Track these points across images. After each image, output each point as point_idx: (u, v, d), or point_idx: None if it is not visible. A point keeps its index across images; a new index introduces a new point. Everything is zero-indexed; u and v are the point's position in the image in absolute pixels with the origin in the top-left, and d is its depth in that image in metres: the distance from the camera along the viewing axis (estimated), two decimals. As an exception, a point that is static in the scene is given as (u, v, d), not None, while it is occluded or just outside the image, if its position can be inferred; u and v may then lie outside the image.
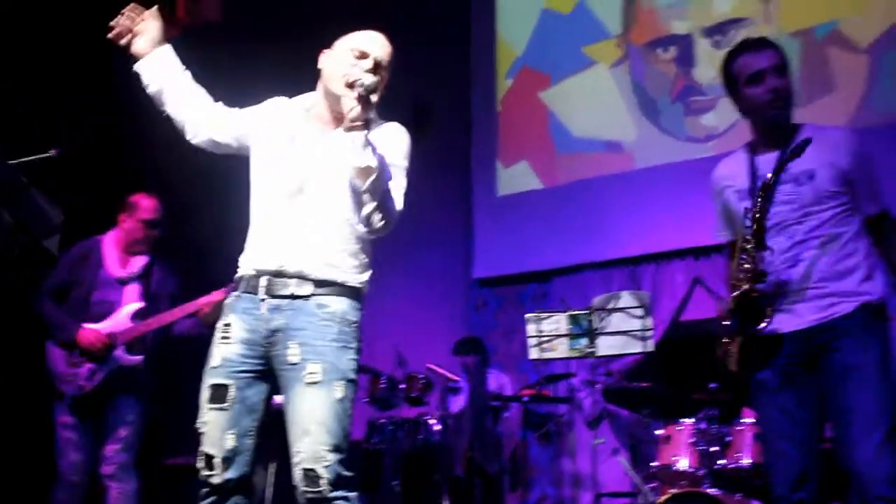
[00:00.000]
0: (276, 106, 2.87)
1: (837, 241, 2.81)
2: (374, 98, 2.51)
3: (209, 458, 2.61)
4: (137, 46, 2.85)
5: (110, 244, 4.45)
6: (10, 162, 3.12)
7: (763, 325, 2.78)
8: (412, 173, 2.75)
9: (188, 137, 2.90)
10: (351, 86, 2.49)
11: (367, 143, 2.47)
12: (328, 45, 2.79)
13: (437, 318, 7.34)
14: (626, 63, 7.00)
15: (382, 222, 2.57)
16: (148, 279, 4.47)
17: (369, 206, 2.53)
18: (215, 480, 2.60)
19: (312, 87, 2.83)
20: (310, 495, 2.52)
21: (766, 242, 2.82)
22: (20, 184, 2.92)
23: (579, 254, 6.81)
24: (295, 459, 2.55)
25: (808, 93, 5.67)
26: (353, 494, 2.56)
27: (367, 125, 2.49)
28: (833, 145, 2.87)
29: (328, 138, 2.68)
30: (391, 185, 2.60)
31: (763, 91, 2.90)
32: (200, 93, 2.89)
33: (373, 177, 2.48)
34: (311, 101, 2.81)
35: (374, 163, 2.47)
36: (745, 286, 2.80)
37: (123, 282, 4.42)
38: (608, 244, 6.67)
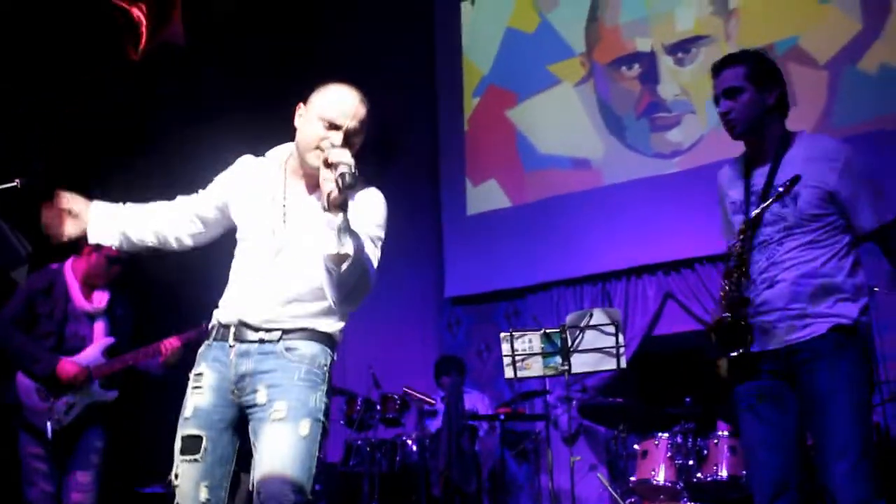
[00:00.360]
0: (247, 166, 2.81)
1: (815, 263, 2.81)
2: (350, 180, 2.36)
3: None
4: (74, 229, 2.80)
5: (71, 276, 4.42)
6: None
7: (740, 350, 2.82)
8: (383, 195, 2.71)
9: (186, 247, 2.87)
10: (329, 166, 2.39)
11: (344, 228, 2.38)
12: (304, 91, 2.71)
13: (410, 337, 7.35)
14: (591, 81, 7.09)
15: (350, 303, 2.53)
16: (113, 314, 4.48)
17: (340, 290, 2.47)
18: None
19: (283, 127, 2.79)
20: None
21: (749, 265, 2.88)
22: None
23: (550, 271, 6.87)
24: (257, 499, 2.47)
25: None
26: None
27: (345, 207, 2.39)
28: (821, 160, 2.85)
29: (307, 202, 2.64)
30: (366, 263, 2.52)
31: (720, 114, 2.96)
32: (160, 211, 2.84)
33: (347, 263, 2.41)
34: (286, 154, 2.76)
35: (350, 250, 2.39)
36: (726, 313, 2.85)
37: (92, 317, 4.41)
38: (579, 260, 6.73)
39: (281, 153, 2.76)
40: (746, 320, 2.84)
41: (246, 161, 2.82)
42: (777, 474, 2.79)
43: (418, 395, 6.00)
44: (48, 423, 4.19)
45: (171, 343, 4.24)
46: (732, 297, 2.86)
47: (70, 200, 2.81)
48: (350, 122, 2.59)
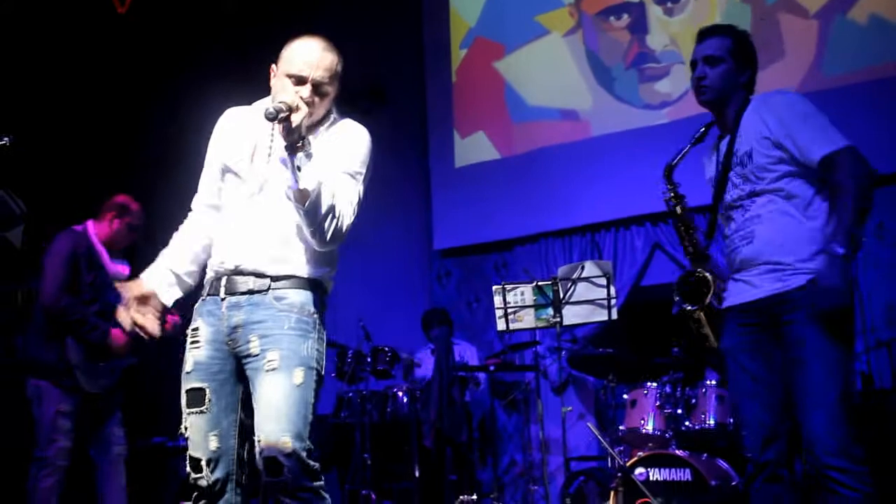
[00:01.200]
0: (232, 119, 2.84)
1: (788, 216, 2.85)
2: (297, 118, 2.46)
3: (195, 461, 2.65)
4: (154, 313, 2.76)
5: (98, 242, 4.51)
6: None
7: (702, 304, 2.97)
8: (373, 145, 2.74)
9: None
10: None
11: (300, 165, 2.46)
12: (275, 50, 2.75)
13: (400, 290, 7.38)
14: (580, 31, 7.03)
15: (327, 239, 2.57)
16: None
17: (311, 227, 2.54)
18: (203, 483, 2.64)
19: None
20: (273, 485, 2.52)
21: (722, 223, 3.01)
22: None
23: (539, 222, 6.89)
24: (256, 449, 2.55)
25: (759, 59, 5.76)
26: (318, 484, 2.56)
27: (298, 146, 2.46)
28: (761, 112, 2.91)
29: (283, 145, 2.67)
30: (341, 195, 2.58)
31: (693, 79, 3.05)
32: (188, 236, 2.85)
33: (310, 198, 2.48)
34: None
35: (309, 186, 2.47)
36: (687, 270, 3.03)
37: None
38: (568, 212, 6.74)
39: (267, 103, 2.75)
40: (708, 274, 2.98)
41: (230, 113, 2.86)
42: (766, 426, 2.87)
43: (404, 354, 6.06)
44: (90, 385, 4.36)
45: (173, 318, 4.36)
46: (694, 253, 3.02)
47: (135, 292, 2.76)
48: (315, 73, 2.64)
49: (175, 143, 5.89)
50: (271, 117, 2.42)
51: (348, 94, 2.83)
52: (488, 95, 7.39)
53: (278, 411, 2.52)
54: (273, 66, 2.73)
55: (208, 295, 2.71)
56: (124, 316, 2.74)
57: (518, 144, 7.19)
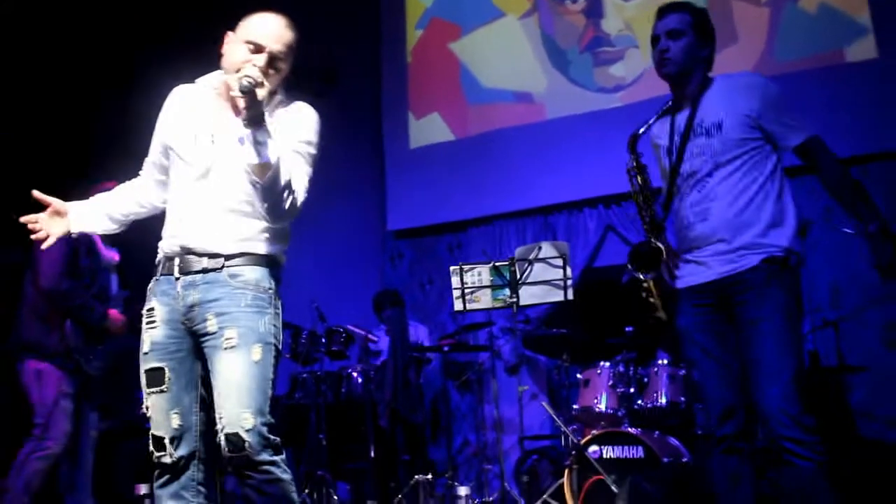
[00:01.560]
0: (178, 95, 2.85)
1: (746, 193, 2.91)
2: (261, 93, 2.49)
3: (158, 440, 2.65)
4: (59, 227, 2.88)
5: None
6: None
7: (654, 274, 3.03)
8: (325, 129, 2.76)
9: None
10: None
11: (261, 139, 2.49)
12: (235, 23, 2.75)
13: (353, 270, 7.35)
14: (536, 14, 7.06)
15: (283, 213, 2.59)
16: (121, 268, 4.70)
17: (269, 201, 2.56)
18: (167, 460, 2.65)
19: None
20: (235, 460, 2.53)
21: (678, 196, 3.04)
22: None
23: (493, 204, 6.92)
24: (218, 426, 2.56)
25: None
26: (279, 458, 2.58)
27: (259, 120, 2.50)
28: (739, 90, 2.99)
29: (234, 123, 2.66)
30: (294, 173, 2.61)
31: (656, 53, 3.10)
32: (130, 188, 2.95)
33: (269, 172, 2.51)
34: (217, 81, 2.79)
35: (270, 160, 2.50)
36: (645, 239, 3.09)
37: (110, 270, 4.62)
38: (521, 194, 6.78)
39: (211, 79, 2.81)
40: (662, 245, 3.04)
41: (177, 90, 2.87)
42: (724, 401, 2.95)
43: (360, 331, 6.04)
44: (90, 367, 4.43)
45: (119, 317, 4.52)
46: (651, 224, 3.08)
47: (51, 200, 2.86)
48: (274, 45, 2.65)
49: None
50: (246, 90, 2.44)
51: (301, 74, 2.84)
52: (443, 77, 7.39)
53: (238, 388, 2.54)
54: (229, 32, 2.74)
55: (161, 275, 2.71)
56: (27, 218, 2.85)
57: (473, 126, 7.21)
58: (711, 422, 2.98)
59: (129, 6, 6.99)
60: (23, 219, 2.83)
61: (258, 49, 2.63)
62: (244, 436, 2.51)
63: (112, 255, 4.60)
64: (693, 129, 3.01)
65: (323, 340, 6.06)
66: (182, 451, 2.65)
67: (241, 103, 2.50)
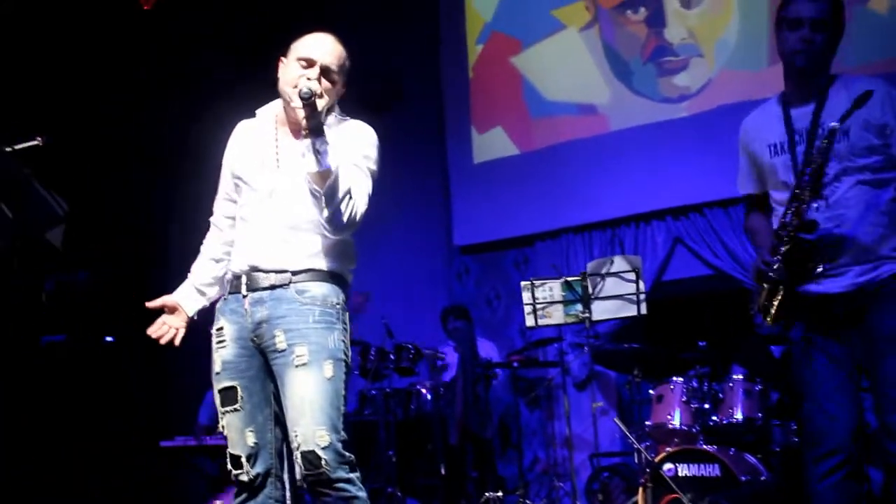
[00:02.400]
0: (241, 130, 2.92)
1: (877, 200, 2.79)
2: (320, 104, 2.56)
3: (235, 458, 2.70)
4: (180, 322, 2.91)
5: None
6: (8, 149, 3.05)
7: (814, 274, 2.79)
8: (387, 147, 2.80)
9: None
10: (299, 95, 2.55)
11: (321, 148, 2.53)
12: (286, 48, 2.82)
13: (421, 287, 7.38)
14: (596, 25, 7.01)
15: (344, 223, 2.61)
16: None
17: (329, 210, 2.58)
18: (244, 478, 2.69)
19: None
20: (311, 478, 2.55)
21: (797, 200, 2.79)
22: (22, 175, 2.87)
23: (559, 218, 6.87)
24: (293, 444, 2.59)
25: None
26: (355, 475, 2.60)
27: (319, 130, 2.55)
28: (875, 100, 2.76)
29: (295, 146, 2.71)
30: (353, 185, 2.63)
31: (796, 39, 2.86)
32: (211, 247, 2.98)
33: (329, 180, 2.54)
34: (278, 108, 2.86)
35: (330, 167, 2.54)
36: (793, 236, 2.79)
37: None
38: (587, 207, 6.72)
39: (270, 108, 2.89)
40: (816, 247, 2.79)
41: (241, 125, 2.94)
42: (854, 418, 2.80)
43: (429, 349, 6.05)
44: None
45: None
46: (800, 221, 2.78)
47: (163, 301, 2.92)
48: (325, 58, 2.70)
49: (195, 143, 5.91)
50: (307, 96, 2.49)
51: (365, 92, 2.89)
52: (506, 91, 7.37)
53: (312, 405, 2.56)
54: (282, 57, 2.80)
55: (230, 293, 2.75)
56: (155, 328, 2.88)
57: (537, 139, 7.18)
58: (840, 440, 2.80)
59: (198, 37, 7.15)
60: (154, 334, 2.88)
61: (310, 63, 2.69)
62: (320, 454, 2.53)
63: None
64: (816, 132, 2.83)
65: (391, 357, 6.09)
66: (259, 468, 2.69)
67: (301, 114, 2.55)
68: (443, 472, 5.67)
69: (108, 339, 5.39)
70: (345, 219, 2.60)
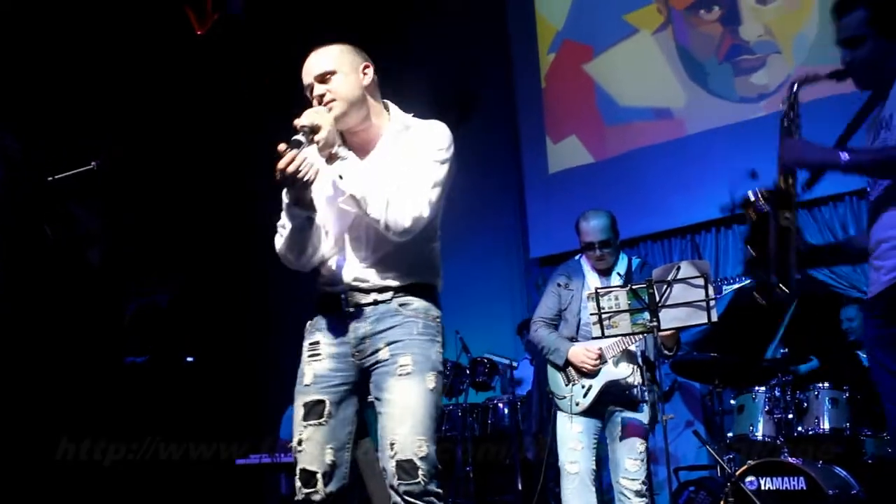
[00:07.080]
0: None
1: None
2: (321, 134, 2.53)
3: (310, 474, 2.62)
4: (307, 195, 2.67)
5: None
6: (53, 177, 3.13)
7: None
8: (461, 159, 2.73)
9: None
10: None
11: (341, 175, 2.55)
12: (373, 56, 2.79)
13: (497, 299, 7.31)
14: (669, 27, 6.85)
15: (400, 229, 2.56)
16: None
17: (373, 219, 2.56)
18: (317, 497, 2.61)
19: None
20: (405, 487, 2.49)
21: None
22: (61, 198, 2.93)
23: (637, 226, 6.69)
24: (388, 452, 2.52)
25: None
26: (442, 492, 2.55)
27: (336, 156, 2.56)
28: None
29: (361, 162, 2.69)
30: (407, 184, 2.59)
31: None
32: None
33: (356, 203, 2.55)
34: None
35: (355, 192, 2.54)
36: None
37: None
38: (665, 214, 6.56)
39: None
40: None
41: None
42: None
43: (504, 360, 5.95)
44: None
45: None
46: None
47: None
48: (314, 73, 2.69)
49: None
50: (296, 144, 2.49)
51: (441, 108, 2.82)
52: (579, 99, 7.28)
53: (414, 415, 2.52)
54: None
55: (325, 313, 2.72)
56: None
57: (612, 147, 7.05)
58: None
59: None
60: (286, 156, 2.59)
61: (309, 88, 2.69)
62: (418, 463, 2.48)
63: None
64: (879, 123, 2.65)
65: (467, 371, 6.03)
66: (332, 487, 2.62)
67: (312, 149, 2.56)
68: (520, 487, 5.56)
69: (189, 359, 5.47)
70: (397, 223, 2.55)
